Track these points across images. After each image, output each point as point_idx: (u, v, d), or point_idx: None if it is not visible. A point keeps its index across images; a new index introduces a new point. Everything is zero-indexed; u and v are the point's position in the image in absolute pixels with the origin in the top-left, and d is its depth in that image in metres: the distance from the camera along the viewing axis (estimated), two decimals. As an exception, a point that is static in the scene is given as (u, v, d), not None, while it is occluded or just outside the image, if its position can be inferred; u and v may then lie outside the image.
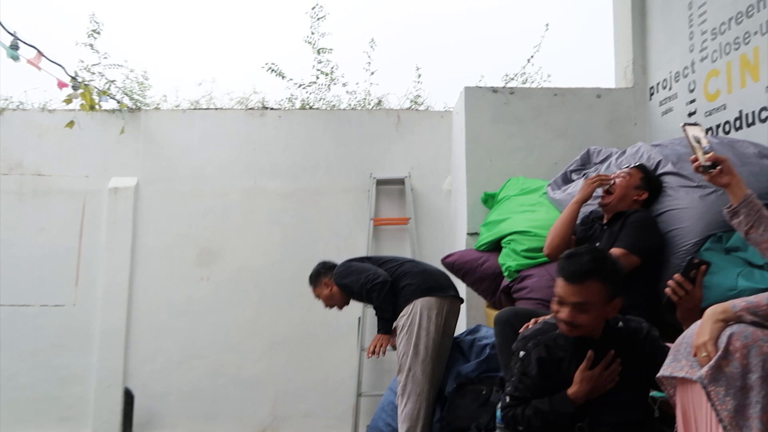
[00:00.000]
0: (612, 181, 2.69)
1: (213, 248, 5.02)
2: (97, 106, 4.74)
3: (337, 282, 3.41)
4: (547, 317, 2.16)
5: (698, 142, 1.95)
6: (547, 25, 5.20)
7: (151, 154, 5.10)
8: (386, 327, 3.22)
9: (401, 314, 3.18)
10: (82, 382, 4.85)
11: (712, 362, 1.38)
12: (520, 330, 2.16)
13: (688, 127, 1.96)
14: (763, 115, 3.13)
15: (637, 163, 2.82)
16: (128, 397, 4.71)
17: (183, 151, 5.10)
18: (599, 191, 2.76)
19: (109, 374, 4.82)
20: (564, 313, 1.88)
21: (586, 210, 2.91)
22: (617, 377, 1.88)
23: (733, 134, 3.30)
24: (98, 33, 5.09)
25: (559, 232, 2.76)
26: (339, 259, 4.95)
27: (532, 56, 5.21)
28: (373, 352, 3.18)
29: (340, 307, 3.55)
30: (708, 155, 1.91)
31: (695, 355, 1.48)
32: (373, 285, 3.19)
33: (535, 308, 2.88)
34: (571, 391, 1.90)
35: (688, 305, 1.88)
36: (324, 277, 3.51)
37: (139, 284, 4.97)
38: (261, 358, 4.93)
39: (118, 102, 5.05)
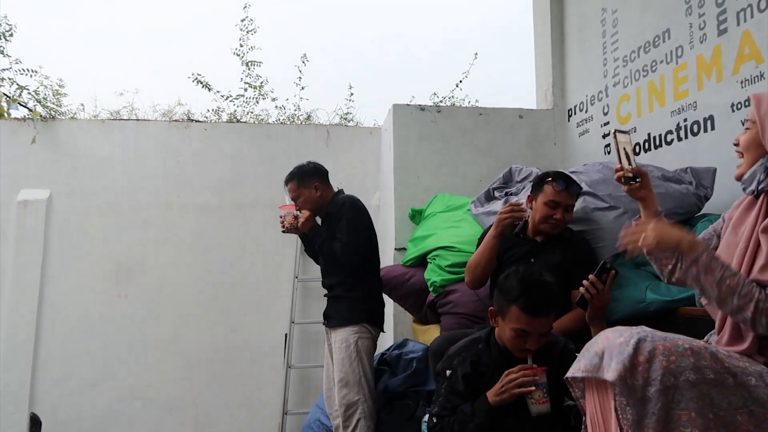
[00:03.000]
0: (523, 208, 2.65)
1: (131, 264, 4.83)
2: (6, 114, 4.48)
3: (347, 203, 3.06)
4: (474, 334, 2.20)
5: (626, 151, 1.95)
6: (476, 54, 5.41)
7: (66, 165, 4.86)
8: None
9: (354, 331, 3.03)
10: (-18, 409, 4.52)
11: (620, 371, 1.44)
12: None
13: (618, 134, 1.95)
14: (669, 137, 3.35)
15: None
16: (35, 424, 4.42)
17: (100, 162, 4.89)
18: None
19: (13, 399, 4.52)
20: (534, 343, 1.96)
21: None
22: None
23: (643, 156, 3.51)
24: (10, 36, 4.83)
25: (482, 266, 2.67)
26: (265, 275, 4.92)
27: (461, 81, 5.39)
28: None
29: (305, 225, 3.07)
30: (632, 167, 1.92)
31: (625, 241, 1.65)
32: (350, 256, 2.97)
33: (461, 325, 2.95)
34: (489, 391, 1.97)
35: (598, 304, 2.09)
36: (317, 180, 3.18)
37: (49, 302, 4.70)
38: (181, 378, 4.77)
39: (30, 110, 4.80)
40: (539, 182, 2.67)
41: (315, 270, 4.78)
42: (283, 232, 3.13)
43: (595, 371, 1.51)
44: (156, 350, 4.77)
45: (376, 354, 3.18)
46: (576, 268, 2.53)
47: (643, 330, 1.51)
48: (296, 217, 3.08)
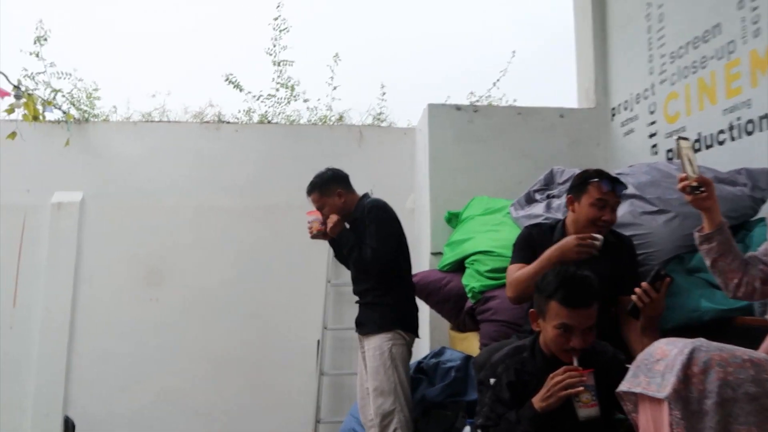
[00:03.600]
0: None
1: (162, 268, 4.91)
2: (41, 117, 4.61)
3: (374, 208, 3.07)
4: (518, 342, 2.18)
5: (689, 159, 1.92)
6: (513, 52, 5.35)
7: (98, 167, 4.97)
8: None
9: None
10: (18, 410, 4.64)
11: (674, 383, 1.41)
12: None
13: (681, 141, 1.92)
14: (721, 137, 3.27)
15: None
16: (68, 426, 4.52)
17: (132, 165, 4.99)
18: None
19: (47, 401, 4.64)
20: (578, 340, 1.92)
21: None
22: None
23: (693, 156, 3.42)
24: (45, 40, 4.96)
25: (531, 283, 2.39)
26: (296, 280, 4.95)
27: (498, 80, 5.34)
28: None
29: (334, 231, 3.07)
30: (696, 175, 1.88)
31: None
32: (381, 262, 2.96)
33: (501, 333, 2.91)
34: (534, 397, 1.93)
35: (651, 313, 2.05)
36: (338, 186, 3.18)
37: (82, 305, 4.81)
38: (211, 383, 4.82)
39: (64, 113, 4.93)
40: (581, 182, 2.52)
41: (347, 274, 4.74)
42: (312, 238, 3.15)
43: (656, 389, 1.48)
44: (186, 355, 4.83)
45: (412, 362, 3.16)
46: (626, 275, 2.45)
47: (698, 340, 1.48)
48: (324, 223, 3.10)
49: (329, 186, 3.18)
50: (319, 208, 3.17)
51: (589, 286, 1.93)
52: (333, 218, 3.07)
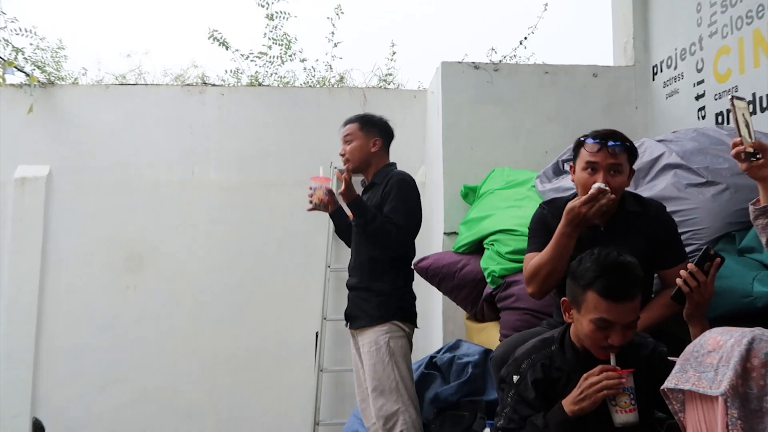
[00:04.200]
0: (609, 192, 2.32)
1: (142, 251, 4.92)
2: (0, 80, 4.58)
3: (401, 179, 3.04)
4: (545, 334, 2.16)
5: (746, 122, 1.88)
6: (545, 5, 5.23)
7: (68, 138, 4.96)
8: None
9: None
10: (-19, 412, 4.70)
11: (731, 377, 1.39)
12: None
13: (736, 101, 1.88)
14: (780, 98, 3.22)
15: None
16: (37, 428, 4.58)
17: (105, 134, 4.97)
18: None
19: (14, 402, 4.68)
20: (617, 336, 1.88)
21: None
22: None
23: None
24: (1, -9, 4.93)
25: (558, 275, 2.32)
26: (293, 264, 4.95)
27: (525, 38, 5.22)
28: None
29: (347, 195, 2.94)
30: (752, 140, 1.86)
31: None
32: (398, 239, 2.94)
33: (525, 322, 2.89)
34: (564, 399, 1.92)
35: (698, 299, 1.98)
36: (381, 136, 3.18)
37: (51, 295, 4.84)
38: (200, 380, 4.86)
39: (27, 75, 4.90)
40: (576, 145, 2.45)
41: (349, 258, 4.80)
42: (310, 209, 3.14)
43: (708, 386, 1.46)
44: (171, 349, 4.86)
45: (424, 356, 3.17)
46: (659, 248, 2.39)
47: (757, 329, 1.46)
48: (329, 193, 3.08)
49: (374, 128, 3.21)
50: (347, 141, 3.17)
51: (633, 276, 1.89)
52: (344, 180, 2.98)
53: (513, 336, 2.73)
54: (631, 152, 2.41)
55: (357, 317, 3.09)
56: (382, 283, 3.03)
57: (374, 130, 3.20)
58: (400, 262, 3.10)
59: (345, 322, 3.19)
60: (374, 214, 2.99)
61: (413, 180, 3.15)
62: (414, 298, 3.17)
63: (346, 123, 3.23)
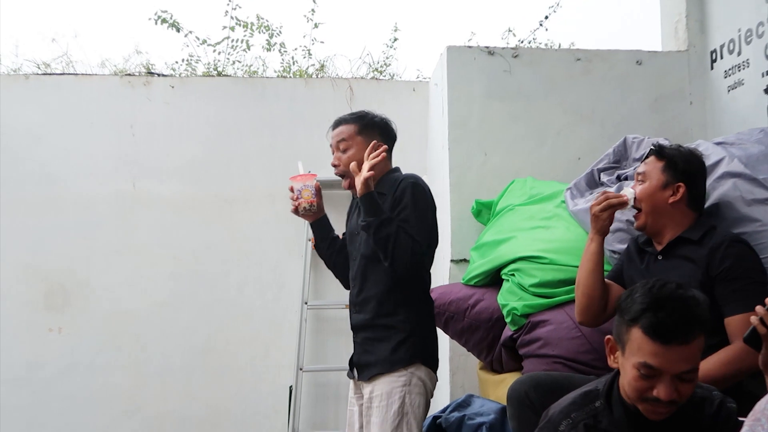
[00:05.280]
0: (625, 195, 2.67)
1: (69, 284, 4.91)
2: None
3: (413, 185, 2.97)
4: (589, 386, 2.14)
5: None
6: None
7: (-24, 141, 4.96)
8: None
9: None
10: None
11: None
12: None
13: None
14: None
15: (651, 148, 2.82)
16: None
17: (25, 137, 4.98)
18: (625, 214, 2.78)
19: None
20: (666, 390, 1.85)
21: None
22: None
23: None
24: None
25: (588, 288, 2.67)
26: (261, 300, 4.93)
27: (546, 17, 5.27)
28: None
29: (361, 187, 2.88)
30: None
31: None
32: (415, 255, 2.84)
33: (562, 371, 2.87)
34: None
35: None
36: (381, 136, 3.09)
37: (-47, 339, 4.81)
38: (142, 450, 4.82)
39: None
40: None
41: (331, 293, 4.77)
42: (298, 213, 3.11)
43: None
44: (106, 408, 4.83)
45: (427, 417, 3.14)
46: (720, 283, 2.45)
47: None
48: (318, 193, 3.08)
49: (374, 129, 3.11)
50: (341, 148, 3.09)
51: (692, 314, 1.85)
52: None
53: (536, 373, 2.73)
54: None
55: (368, 365, 3.00)
56: (400, 318, 2.96)
57: (376, 132, 3.12)
58: (418, 289, 3.04)
59: (349, 372, 3.13)
60: (390, 216, 2.94)
61: (426, 185, 3.09)
62: (436, 339, 3.12)
63: (339, 124, 3.15)
